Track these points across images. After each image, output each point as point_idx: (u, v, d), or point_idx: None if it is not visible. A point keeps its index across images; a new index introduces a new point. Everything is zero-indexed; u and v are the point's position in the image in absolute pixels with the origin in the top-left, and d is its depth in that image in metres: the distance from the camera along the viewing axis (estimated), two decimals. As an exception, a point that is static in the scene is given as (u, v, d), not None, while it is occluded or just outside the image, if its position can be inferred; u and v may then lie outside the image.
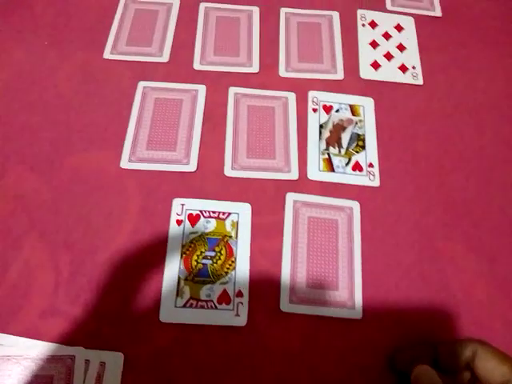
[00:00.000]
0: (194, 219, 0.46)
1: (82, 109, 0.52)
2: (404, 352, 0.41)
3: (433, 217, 0.50)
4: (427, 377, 0.36)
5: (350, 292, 0.45)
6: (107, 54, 0.56)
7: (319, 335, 0.43)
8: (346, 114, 0.53)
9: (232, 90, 0.54)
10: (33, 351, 0.40)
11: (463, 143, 0.54)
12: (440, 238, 0.49)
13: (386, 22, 0.61)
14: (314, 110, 0.54)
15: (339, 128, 0.52)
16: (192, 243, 0.45)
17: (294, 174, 0.49)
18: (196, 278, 0.44)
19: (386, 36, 0.60)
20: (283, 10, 0.61)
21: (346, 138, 0.51)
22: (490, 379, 0.35)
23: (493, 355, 0.36)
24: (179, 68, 0.56)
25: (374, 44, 0.59)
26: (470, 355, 0.37)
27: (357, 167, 0.51)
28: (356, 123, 0.53)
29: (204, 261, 0.45)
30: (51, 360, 0.40)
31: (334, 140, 0.51)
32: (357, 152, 0.52)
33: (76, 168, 0.49)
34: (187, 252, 0.45)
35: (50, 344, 0.41)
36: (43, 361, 0.40)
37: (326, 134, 0.52)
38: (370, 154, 0.52)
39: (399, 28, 0.61)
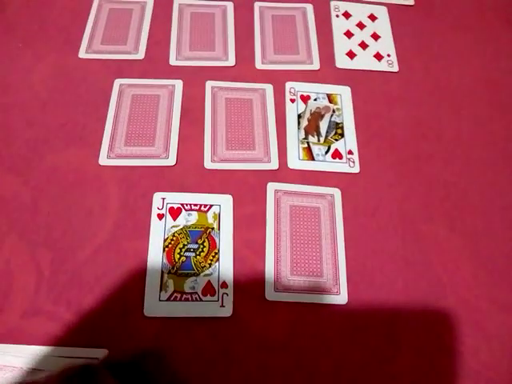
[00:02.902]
0: (175, 213, 0.46)
1: (58, 108, 0.52)
2: None
3: (414, 200, 0.50)
4: None
5: (334, 278, 0.45)
6: (82, 54, 0.56)
7: (305, 322, 0.43)
8: (324, 103, 0.53)
9: (209, 84, 0.54)
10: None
11: (440, 127, 0.54)
12: (422, 220, 0.49)
13: (359, 12, 0.62)
14: (292, 101, 0.54)
15: (317, 116, 0.52)
16: (174, 236, 0.45)
17: (274, 164, 0.49)
18: (179, 271, 0.44)
19: (360, 26, 0.61)
20: (257, 4, 0.61)
21: (324, 125, 0.52)
22: None
23: None
24: (155, 64, 0.56)
25: (349, 34, 0.60)
26: None
27: (336, 155, 0.51)
28: (333, 110, 0.53)
29: (187, 253, 0.44)
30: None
31: (312, 128, 0.52)
32: (336, 140, 0.52)
33: (54, 167, 0.48)
34: (169, 245, 0.45)
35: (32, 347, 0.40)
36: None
37: (305, 122, 0.52)
38: (349, 141, 0.52)
39: (373, 17, 0.61)
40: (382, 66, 0.58)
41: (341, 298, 0.44)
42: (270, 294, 0.44)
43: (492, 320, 0.45)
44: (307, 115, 0.52)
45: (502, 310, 0.46)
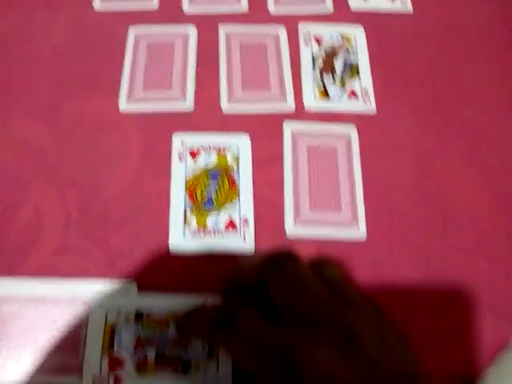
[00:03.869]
0: (194, 154, 0.47)
1: (76, 58, 0.53)
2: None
3: (430, 137, 0.50)
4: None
5: (353, 214, 0.46)
6: (97, 5, 0.56)
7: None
8: (338, 42, 0.53)
9: (222, 29, 0.54)
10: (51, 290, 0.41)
11: (455, 66, 0.54)
12: (439, 156, 0.49)
13: (372, -47, 0.61)
14: (306, 43, 0.54)
15: (331, 55, 0.52)
16: (195, 176, 0.46)
17: (290, 105, 0.50)
18: (201, 208, 0.45)
19: (374, -33, 0.60)
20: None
21: (339, 65, 0.52)
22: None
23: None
24: (169, 12, 0.56)
25: (363, -24, 0.59)
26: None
27: (352, 94, 0.51)
28: (348, 51, 0.53)
29: (208, 192, 0.46)
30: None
31: (327, 68, 0.52)
32: (351, 80, 0.52)
33: (76, 114, 0.49)
34: (191, 185, 0.46)
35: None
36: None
37: (320, 63, 0.52)
38: (365, 81, 0.52)
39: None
40: (395, 7, 0.57)
41: (360, 233, 0.45)
42: (290, 229, 0.45)
43: (510, 253, 0.46)
44: (322, 55, 0.52)
45: (519, 242, 0.46)
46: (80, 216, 0.45)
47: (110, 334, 0.39)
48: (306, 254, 0.43)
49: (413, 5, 0.58)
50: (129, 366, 0.39)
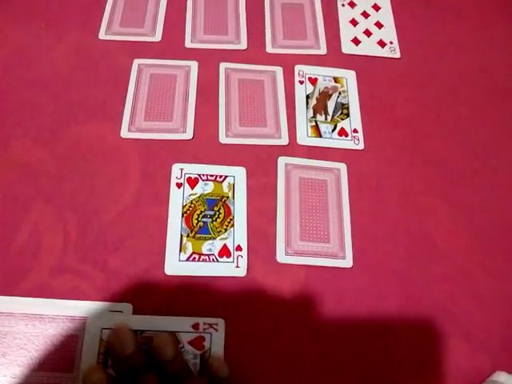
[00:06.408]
0: (192, 182, 0.49)
1: (80, 84, 0.55)
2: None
3: (413, 175, 0.54)
4: None
5: (340, 244, 0.48)
6: (102, 35, 0.59)
7: (312, 283, 0.47)
8: (332, 83, 0.57)
9: (223, 66, 0.57)
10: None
11: (438, 109, 0.58)
12: (420, 193, 0.53)
13: (363, 1, 0.65)
14: (301, 82, 0.57)
15: (325, 95, 0.55)
16: (192, 204, 0.48)
17: (284, 140, 0.53)
18: (197, 234, 0.47)
19: (365, 15, 0.64)
20: (268, -8, 0.64)
21: (331, 105, 0.55)
22: None
23: None
24: (171, 46, 0.59)
25: (354, 22, 0.63)
26: None
27: (342, 133, 0.54)
28: (340, 93, 0.56)
29: (204, 219, 0.48)
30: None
31: (320, 107, 0.55)
32: (342, 119, 0.55)
33: (78, 138, 0.51)
34: (188, 212, 0.48)
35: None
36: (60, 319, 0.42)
37: (313, 101, 0.55)
38: (354, 120, 0.56)
39: (376, 7, 0.65)
40: (384, 53, 0.61)
41: (346, 262, 0.48)
42: (281, 257, 0.47)
43: (484, 285, 0.49)
44: (316, 95, 0.55)
45: (493, 277, 0.50)
46: (78, 237, 0.46)
47: (105, 352, 0.40)
48: (294, 279, 0.46)
49: (401, 51, 0.62)
50: None
